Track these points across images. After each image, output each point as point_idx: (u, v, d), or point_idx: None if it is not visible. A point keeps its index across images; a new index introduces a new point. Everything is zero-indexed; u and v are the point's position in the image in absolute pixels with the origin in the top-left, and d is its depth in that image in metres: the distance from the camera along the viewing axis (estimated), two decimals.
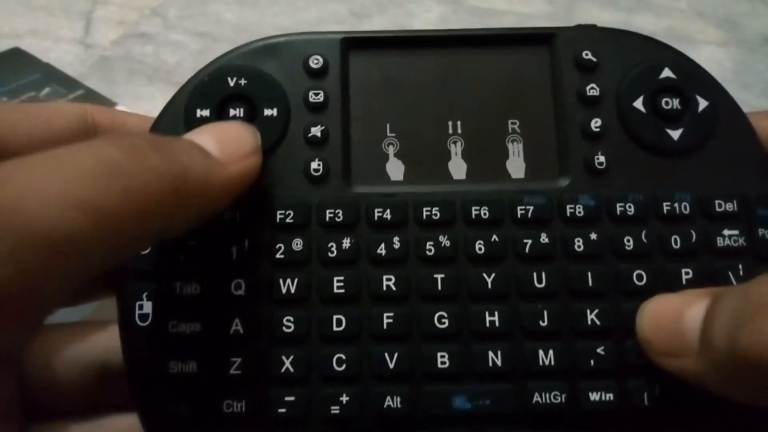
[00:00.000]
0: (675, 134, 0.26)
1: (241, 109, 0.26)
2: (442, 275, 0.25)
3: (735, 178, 0.26)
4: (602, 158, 0.26)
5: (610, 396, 0.24)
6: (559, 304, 0.25)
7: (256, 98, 0.26)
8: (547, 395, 0.24)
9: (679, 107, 0.27)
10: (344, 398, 0.24)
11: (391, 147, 0.27)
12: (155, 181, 0.20)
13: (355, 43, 0.27)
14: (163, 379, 0.24)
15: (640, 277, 0.25)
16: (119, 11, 0.60)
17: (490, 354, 0.25)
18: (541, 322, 0.25)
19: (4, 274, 0.17)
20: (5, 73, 0.53)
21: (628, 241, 0.25)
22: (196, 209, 0.22)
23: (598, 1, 0.53)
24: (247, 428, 0.24)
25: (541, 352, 0.25)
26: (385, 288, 0.25)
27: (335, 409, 0.24)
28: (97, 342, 0.26)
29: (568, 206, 0.26)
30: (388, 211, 0.25)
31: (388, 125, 0.27)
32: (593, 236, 0.25)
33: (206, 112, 0.26)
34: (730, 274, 0.25)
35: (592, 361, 0.25)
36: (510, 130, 0.27)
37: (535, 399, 0.24)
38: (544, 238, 0.25)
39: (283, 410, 0.24)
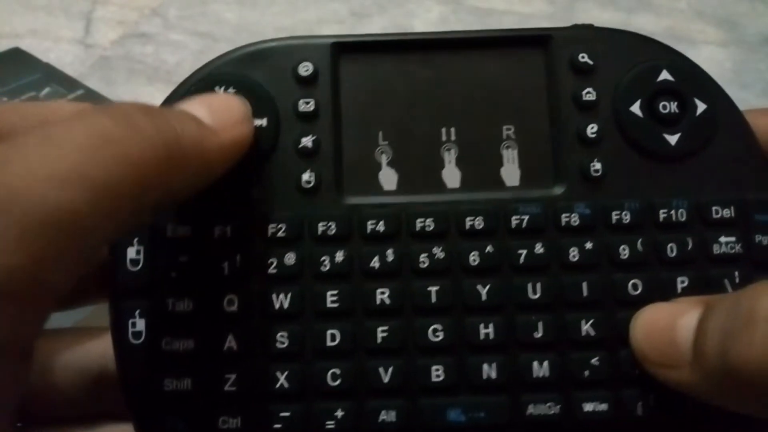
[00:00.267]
0: (672, 139, 0.26)
1: None
2: (437, 287, 0.25)
3: (733, 182, 0.26)
4: (598, 165, 0.26)
5: (604, 406, 0.24)
6: (553, 314, 0.25)
7: None
8: (542, 406, 0.24)
9: (676, 111, 0.26)
10: (339, 413, 0.24)
11: (383, 155, 0.26)
12: (150, 148, 0.20)
13: (345, 48, 0.27)
14: (158, 397, 0.24)
15: (635, 286, 0.25)
16: (119, 11, 0.60)
17: (485, 366, 0.25)
18: (535, 334, 0.25)
19: (16, 261, 0.17)
20: (5, 73, 0.53)
21: (624, 249, 0.25)
22: (192, 175, 0.22)
23: (598, 1, 0.53)
24: None
25: (535, 364, 0.25)
26: (378, 301, 0.25)
27: (330, 424, 0.24)
28: (94, 349, 0.26)
29: (563, 215, 0.25)
30: (381, 223, 0.25)
31: (380, 133, 0.26)
32: (588, 245, 0.25)
33: None
34: (726, 281, 0.25)
35: (586, 372, 0.25)
36: (505, 137, 0.27)
37: (529, 410, 0.24)
38: (538, 249, 0.25)
39: (279, 426, 0.24)
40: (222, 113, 0.23)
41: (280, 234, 0.25)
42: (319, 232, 0.25)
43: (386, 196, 0.26)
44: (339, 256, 0.25)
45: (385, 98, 0.27)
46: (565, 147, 0.26)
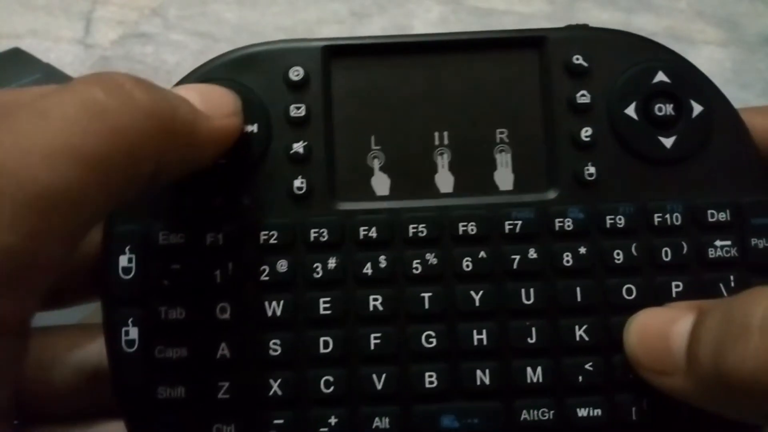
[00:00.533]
0: (668, 142, 0.26)
1: None
2: (430, 294, 0.25)
3: (729, 186, 0.26)
4: (592, 169, 0.26)
5: (598, 411, 0.24)
6: (547, 320, 0.25)
7: None
8: (536, 412, 0.24)
9: (672, 113, 0.26)
10: (333, 420, 0.24)
11: (376, 160, 0.26)
12: (143, 120, 0.19)
13: (336, 52, 0.26)
14: (152, 405, 0.24)
15: (629, 291, 0.25)
16: (119, 11, 0.60)
17: (478, 372, 0.25)
18: (529, 339, 0.25)
19: (13, 240, 0.17)
20: (5, 73, 0.53)
21: (618, 254, 0.25)
22: (184, 153, 0.22)
23: (598, 1, 0.53)
24: None
25: (529, 369, 0.25)
26: (372, 308, 0.25)
27: (324, 431, 0.24)
28: (91, 346, 0.26)
29: (556, 220, 0.25)
30: (373, 229, 0.25)
31: (372, 137, 0.26)
32: (582, 250, 0.25)
33: None
34: (721, 285, 0.25)
35: (580, 377, 0.24)
36: (498, 140, 0.26)
37: (523, 416, 0.24)
38: (532, 254, 0.25)
39: None
40: (214, 102, 0.23)
41: (272, 241, 0.25)
42: (312, 238, 0.25)
43: (379, 202, 0.26)
44: (332, 263, 0.25)
45: (377, 102, 0.26)
46: (558, 151, 0.26)
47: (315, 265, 0.25)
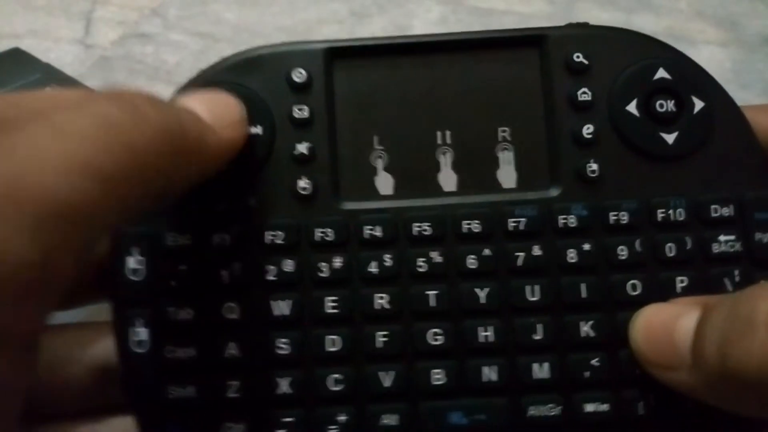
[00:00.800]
0: (670, 138, 0.26)
1: None
2: (435, 292, 0.25)
3: (732, 181, 0.26)
4: (595, 166, 0.26)
5: (605, 407, 0.24)
6: (552, 316, 0.25)
7: None
8: (543, 408, 0.25)
9: (674, 109, 0.26)
10: (341, 417, 0.24)
11: (379, 160, 0.26)
12: (156, 137, 0.20)
13: (338, 53, 0.27)
14: (162, 404, 0.25)
15: (634, 287, 0.25)
16: (119, 11, 0.60)
17: (485, 369, 0.25)
18: (534, 336, 0.25)
19: (29, 254, 0.17)
20: (5, 73, 0.52)
21: (622, 250, 0.25)
22: (193, 168, 0.22)
23: (598, 1, 0.53)
24: None
25: (535, 366, 0.25)
26: (377, 306, 0.25)
27: (333, 429, 0.24)
28: (101, 343, 0.26)
29: (560, 217, 0.25)
30: (378, 228, 0.25)
31: (375, 137, 0.26)
32: (586, 247, 0.25)
33: None
34: (726, 280, 0.25)
35: (586, 373, 0.25)
36: (500, 138, 0.26)
37: (530, 412, 0.25)
38: (536, 251, 0.25)
39: (282, 431, 0.24)
40: (220, 112, 0.24)
41: (278, 241, 0.25)
42: (317, 238, 0.25)
43: (383, 201, 0.26)
44: (337, 262, 0.25)
45: (380, 102, 0.27)
46: (561, 148, 0.26)
47: (321, 265, 0.25)
